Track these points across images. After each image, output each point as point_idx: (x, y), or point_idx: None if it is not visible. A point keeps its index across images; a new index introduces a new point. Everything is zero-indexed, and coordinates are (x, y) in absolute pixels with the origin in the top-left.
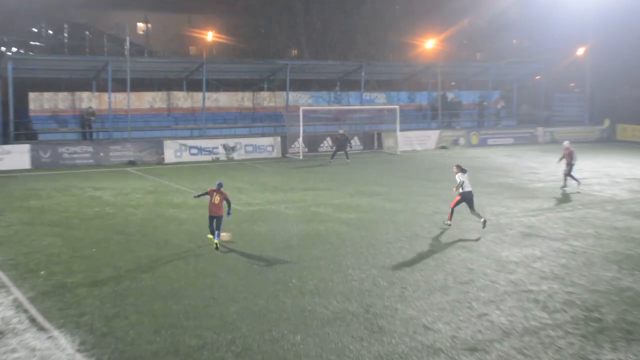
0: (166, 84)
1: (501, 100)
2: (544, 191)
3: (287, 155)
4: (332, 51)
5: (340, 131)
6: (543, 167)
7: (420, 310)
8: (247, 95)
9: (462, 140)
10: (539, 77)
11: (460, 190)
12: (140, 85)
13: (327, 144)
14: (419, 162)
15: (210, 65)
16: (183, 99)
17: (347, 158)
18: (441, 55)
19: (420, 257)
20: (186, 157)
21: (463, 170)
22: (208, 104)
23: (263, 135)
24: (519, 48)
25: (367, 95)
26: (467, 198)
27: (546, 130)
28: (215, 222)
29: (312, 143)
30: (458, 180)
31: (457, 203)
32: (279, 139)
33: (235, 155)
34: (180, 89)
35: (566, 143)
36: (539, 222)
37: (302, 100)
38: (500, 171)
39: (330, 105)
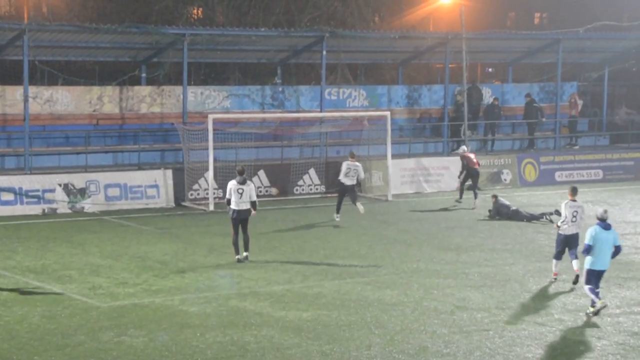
0: None
1: (580, 99)
2: None
3: (185, 203)
4: (268, 12)
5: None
6: None
7: None
8: (110, 92)
9: (507, 175)
10: None
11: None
12: None
13: (260, 183)
14: (428, 216)
15: (39, 36)
16: None
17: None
18: (470, 20)
19: None
20: None
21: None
22: (35, 108)
23: (140, 167)
24: (615, 5)
25: (332, 93)
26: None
27: None
28: None
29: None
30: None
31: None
32: (169, 174)
33: (87, 205)
34: None
35: (462, 149)
36: None
37: (213, 102)
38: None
39: (265, 112)
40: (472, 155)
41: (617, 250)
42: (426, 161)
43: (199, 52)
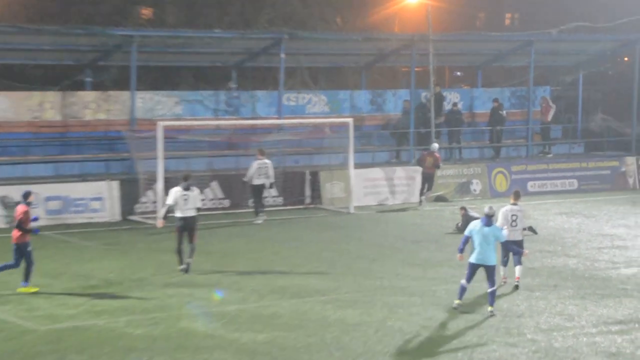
0: None
1: (552, 104)
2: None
3: (133, 217)
4: (222, 12)
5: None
6: (637, 235)
7: None
8: (52, 98)
9: (477, 185)
10: (627, 58)
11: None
12: None
13: (214, 195)
14: (392, 229)
15: None
16: None
17: None
18: (437, 20)
19: None
20: None
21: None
22: None
23: (83, 178)
24: (589, 6)
25: (291, 98)
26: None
27: None
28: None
29: None
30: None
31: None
32: (115, 185)
33: None
34: None
35: (434, 147)
36: (632, 346)
37: (163, 109)
38: (553, 245)
39: (219, 118)
40: (437, 156)
41: (505, 245)
42: (391, 171)
43: (148, 55)
